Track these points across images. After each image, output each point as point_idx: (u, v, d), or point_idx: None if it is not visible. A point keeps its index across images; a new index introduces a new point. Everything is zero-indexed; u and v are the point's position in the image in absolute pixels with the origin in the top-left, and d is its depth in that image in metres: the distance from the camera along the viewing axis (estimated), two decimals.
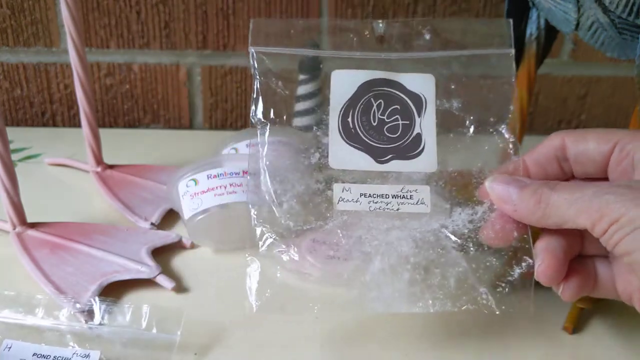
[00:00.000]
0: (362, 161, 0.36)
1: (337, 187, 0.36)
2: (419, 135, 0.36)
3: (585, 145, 0.33)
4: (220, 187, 0.44)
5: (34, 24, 0.68)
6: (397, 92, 0.37)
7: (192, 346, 0.37)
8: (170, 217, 0.51)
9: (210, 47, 0.70)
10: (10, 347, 0.35)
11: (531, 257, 0.33)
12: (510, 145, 0.38)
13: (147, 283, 0.42)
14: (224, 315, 0.40)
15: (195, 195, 0.44)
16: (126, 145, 0.65)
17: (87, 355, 0.35)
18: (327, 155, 0.36)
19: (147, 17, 0.68)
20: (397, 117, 0.37)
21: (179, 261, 0.46)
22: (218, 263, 0.46)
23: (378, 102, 0.37)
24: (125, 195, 0.53)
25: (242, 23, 0.69)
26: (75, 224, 0.48)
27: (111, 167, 0.57)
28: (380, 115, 0.37)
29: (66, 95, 0.71)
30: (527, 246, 0.33)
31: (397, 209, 0.35)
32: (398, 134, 0.36)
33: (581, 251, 0.34)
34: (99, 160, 0.56)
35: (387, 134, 0.36)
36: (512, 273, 0.34)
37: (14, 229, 0.46)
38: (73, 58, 0.50)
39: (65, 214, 0.51)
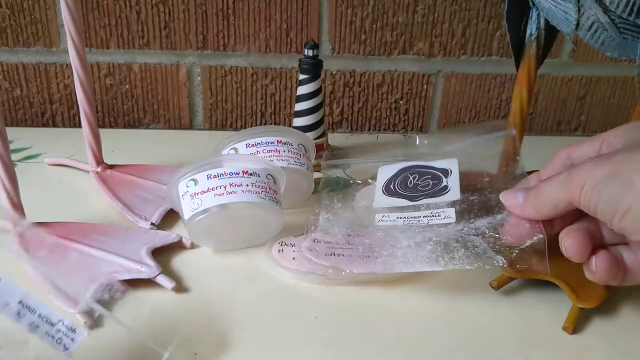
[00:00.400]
0: (399, 202, 0.46)
1: (377, 215, 0.44)
2: (445, 186, 0.45)
3: (582, 148, 0.40)
4: (220, 187, 0.44)
5: (34, 24, 0.68)
6: (429, 170, 0.48)
7: (192, 347, 0.37)
8: (170, 217, 0.51)
9: (210, 47, 0.70)
10: None
11: (542, 233, 0.38)
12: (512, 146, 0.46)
13: (147, 283, 0.42)
14: (223, 316, 0.40)
15: (195, 195, 0.44)
16: (126, 145, 0.66)
17: (74, 330, 0.31)
18: (372, 203, 0.46)
19: (147, 17, 0.68)
20: (428, 181, 0.47)
21: (179, 261, 0.46)
22: (218, 263, 0.46)
23: (414, 175, 0.48)
24: (125, 195, 0.53)
25: (242, 23, 0.69)
26: (75, 224, 0.48)
27: (111, 167, 0.57)
28: (415, 181, 0.47)
29: (66, 95, 0.71)
30: (538, 228, 0.38)
31: (428, 222, 0.42)
32: (429, 187, 0.46)
33: (602, 241, 0.37)
34: (99, 160, 0.56)
35: (420, 189, 0.46)
36: (525, 243, 0.38)
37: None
38: (73, 58, 0.50)
39: (65, 214, 0.51)
